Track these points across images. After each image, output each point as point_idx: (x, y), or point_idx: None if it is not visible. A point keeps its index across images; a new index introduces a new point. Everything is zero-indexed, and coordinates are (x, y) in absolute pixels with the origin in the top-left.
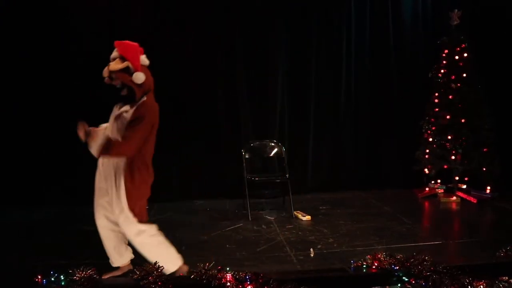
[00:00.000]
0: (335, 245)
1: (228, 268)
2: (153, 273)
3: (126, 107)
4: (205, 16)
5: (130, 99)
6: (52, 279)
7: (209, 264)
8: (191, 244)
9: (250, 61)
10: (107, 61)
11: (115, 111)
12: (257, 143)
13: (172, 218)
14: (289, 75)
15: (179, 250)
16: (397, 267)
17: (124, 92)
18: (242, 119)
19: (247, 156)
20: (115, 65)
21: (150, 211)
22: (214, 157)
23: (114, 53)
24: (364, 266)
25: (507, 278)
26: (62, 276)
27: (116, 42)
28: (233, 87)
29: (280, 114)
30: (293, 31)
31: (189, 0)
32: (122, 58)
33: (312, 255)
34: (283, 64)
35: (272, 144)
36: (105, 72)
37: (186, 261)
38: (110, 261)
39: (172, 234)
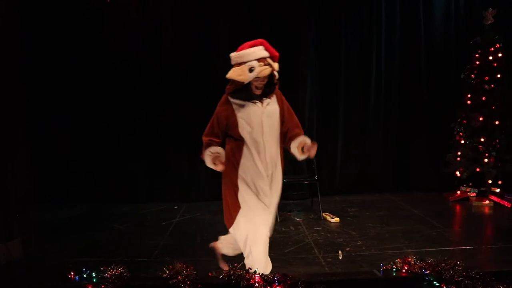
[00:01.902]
0: (363, 247)
1: (256, 269)
2: (182, 272)
3: (268, 101)
4: (236, 14)
5: (265, 95)
6: (84, 276)
7: (238, 265)
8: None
9: (280, 61)
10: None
11: (253, 109)
12: None
13: (201, 217)
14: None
15: (207, 250)
16: (428, 271)
17: (260, 92)
18: None
19: None
20: (277, 66)
21: (179, 210)
22: None
23: (263, 52)
24: (394, 269)
25: None
26: (93, 273)
27: (263, 42)
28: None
29: (309, 114)
30: (323, 30)
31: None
32: (273, 58)
33: (340, 257)
34: (312, 63)
35: None
36: (268, 73)
37: (214, 261)
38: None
39: (201, 234)
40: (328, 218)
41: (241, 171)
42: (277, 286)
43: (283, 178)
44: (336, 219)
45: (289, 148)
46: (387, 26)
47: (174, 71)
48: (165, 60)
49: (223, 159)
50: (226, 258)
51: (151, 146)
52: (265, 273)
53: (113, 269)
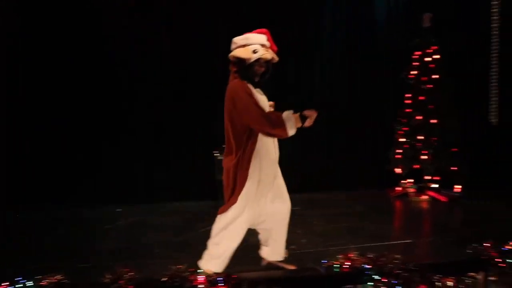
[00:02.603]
0: (308, 245)
1: (201, 271)
2: (124, 276)
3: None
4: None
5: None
6: (19, 285)
7: (182, 267)
8: (164, 247)
9: (224, 67)
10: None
11: (261, 96)
12: None
13: (146, 220)
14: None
15: (152, 253)
16: (369, 266)
17: (257, 78)
18: (216, 121)
19: (219, 158)
20: (276, 58)
21: (122, 213)
22: (189, 159)
23: (266, 41)
24: (336, 265)
25: (474, 274)
26: (29, 282)
27: (267, 32)
28: (208, 90)
29: None
30: (274, 28)
31: None
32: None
33: (286, 255)
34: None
35: None
36: (269, 57)
37: (158, 264)
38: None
39: (145, 236)
40: None
41: (252, 169)
42: (221, 286)
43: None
44: None
45: None
46: (330, 30)
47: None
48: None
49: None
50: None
51: (96, 148)
52: (218, 268)
53: (51, 277)
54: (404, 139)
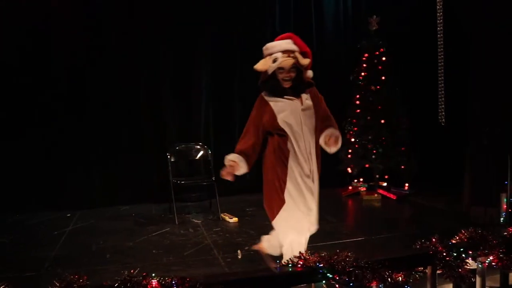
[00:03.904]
0: None
1: (153, 274)
2: (74, 284)
3: (306, 96)
4: (130, 16)
5: (299, 91)
6: None
7: (134, 271)
8: (116, 251)
9: (174, 63)
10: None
11: (290, 105)
12: (183, 146)
13: (96, 225)
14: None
15: (104, 259)
16: (322, 265)
17: (288, 84)
18: (167, 122)
19: (172, 160)
20: (305, 61)
21: (72, 218)
22: (139, 161)
23: (290, 45)
24: (290, 265)
25: (422, 268)
26: None
27: (292, 36)
28: (157, 91)
29: (205, 116)
30: (217, 31)
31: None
32: (303, 54)
33: (239, 257)
34: (207, 65)
35: (198, 146)
36: (289, 64)
37: (110, 269)
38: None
39: (96, 241)
40: (227, 218)
41: (289, 167)
42: None
43: (179, 180)
44: (235, 219)
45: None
46: (280, 30)
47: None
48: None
49: (235, 170)
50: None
51: (40, 151)
52: (274, 252)
53: None
54: (354, 139)
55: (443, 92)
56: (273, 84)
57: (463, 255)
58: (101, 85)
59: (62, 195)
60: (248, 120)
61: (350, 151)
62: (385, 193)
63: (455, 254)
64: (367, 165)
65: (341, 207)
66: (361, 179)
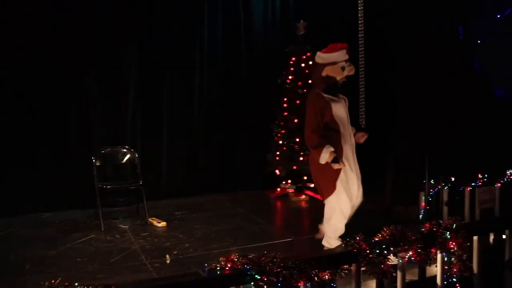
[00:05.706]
0: (191, 249)
1: (77, 284)
2: None
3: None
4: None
5: (343, 92)
6: None
7: (55, 281)
8: (37, 261)
9: (101, 62)
10: None
11: (338, 103)
12: (109, 149)
13: (15, 234)
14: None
15: (22, 270)
16: (250, 266)
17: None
18: (92, 125)
19: (98, 164)
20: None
21: None
22: (62, 165)
23: (346, 55)
24: (218, 268)
25: (347, 266)
26: None
27: (346, 46)
28: (84, 93)
29: (132, 119)
30: (146, 31)
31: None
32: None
33: (168, 261)
34: (135, 68)
35: (124, 150)
36: (353, 71)
37: (31, 280)
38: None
39: (15, 251)
40: (155, 223)
41: (344, 158)
42: None
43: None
44: (163, 223)
45: None
46: (210, 35)
47: None
48: None
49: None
50: None
51: None
52: (336, 243)
53: None
54: (282, 141)
55: (363, 95)
56: (335, 89)
57: (385, 252)
58: (23, 86)
59: None
60: (310, 113)
61: (278, 153)
62: (312, 194)
63: (378, 251)
64: (295, 167)
65: (270, 209)
66: (289, 181)
